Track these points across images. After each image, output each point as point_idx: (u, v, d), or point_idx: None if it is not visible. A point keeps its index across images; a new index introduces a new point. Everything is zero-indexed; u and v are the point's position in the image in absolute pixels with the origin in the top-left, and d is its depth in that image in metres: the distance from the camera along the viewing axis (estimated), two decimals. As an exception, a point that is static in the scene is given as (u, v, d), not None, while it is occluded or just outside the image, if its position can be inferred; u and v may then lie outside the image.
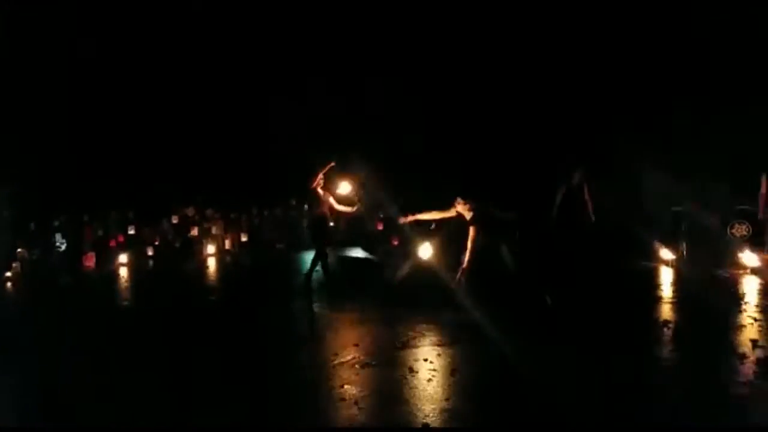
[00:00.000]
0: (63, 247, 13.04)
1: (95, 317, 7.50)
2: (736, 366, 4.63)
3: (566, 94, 15.54)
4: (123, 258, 12.52)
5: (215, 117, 18.10)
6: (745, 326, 5.88)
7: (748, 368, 4.54)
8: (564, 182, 10.55)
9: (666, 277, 9.36)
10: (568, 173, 10.53)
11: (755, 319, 6.14)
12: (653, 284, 8.80)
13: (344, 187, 8.95)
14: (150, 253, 13.86)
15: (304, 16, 17.58)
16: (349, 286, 8.85)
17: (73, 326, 6.96)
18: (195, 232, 14.72)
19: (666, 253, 10.46)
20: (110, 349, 5.76)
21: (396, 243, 14.96)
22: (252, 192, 17.18)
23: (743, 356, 4.82)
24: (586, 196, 10.38)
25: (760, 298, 7.48)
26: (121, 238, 14.01)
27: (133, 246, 13.70)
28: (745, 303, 7.09)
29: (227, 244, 15.18)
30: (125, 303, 8.92)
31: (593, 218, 10.29)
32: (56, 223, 13.44)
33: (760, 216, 10.87)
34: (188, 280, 10.79)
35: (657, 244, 10.80)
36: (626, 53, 15.40)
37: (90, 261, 12.56)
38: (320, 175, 8.62)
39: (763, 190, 10.78)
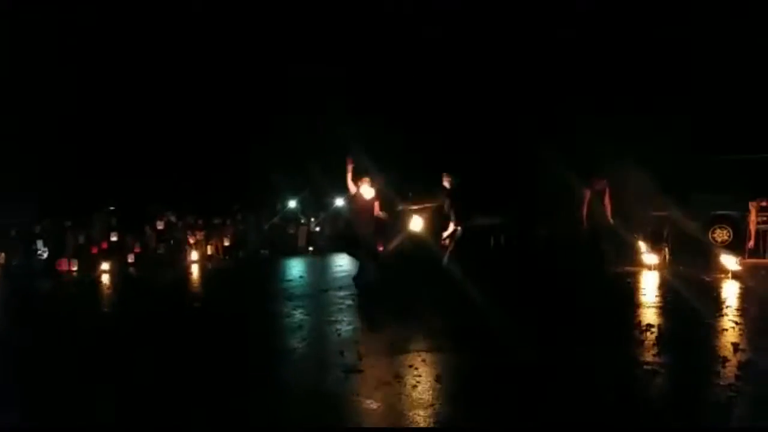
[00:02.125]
0: (45, 254, 12.89)
1: (73, 325, 7.40)
2: (717, 369, 4.66)
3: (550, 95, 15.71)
4: (105, 265, 12.38)
5: (200, 123, 18.04)
6: (726, 330, 5.93)
7: (730, 371, 4.58)
8: (588, 186, 10.79)
9: (649, 281, 9.43)
10: (591, 178, 10.77)
11: (736, 323, 6.20)
12: (636, 288, 8.86)
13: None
14: (132, 260, 13.75)
15: (288, 26, 17.59)
16: (336, 292, 8.84)
17: (49, 334, 6.86)
18: (188, 241, 14.63)
19: (649, 258, 10.54)
20: (95, 357, 5.69)
21: (381, 247, 14.95)
22: (236, 198, 17.14)
23: (725, 360, 4.86)
24: (607, 201, 10.61)
25: (740, 302, 7.56)
26: (104, 245, 13.88)
27: (116, 253, 13.58)
28: (727, 307, 7.16)
29: (210, 250, 15.10)
30: (105, 310, 8.82)
31: (611, 221, 10.53)
32: (37, 230, 13.29)
33: (750, 245, 10.81)
34: (171, 287, 10.71)
35: (640, 249, 10.90)
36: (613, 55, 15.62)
37: (63, 266, 12.43)
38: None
39: (753, 217, 10.78)
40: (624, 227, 11.18)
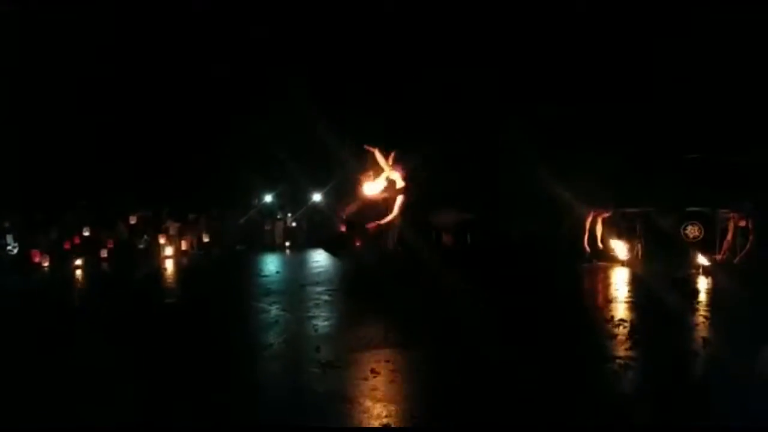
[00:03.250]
0: (15, 250, 12.63)
1: (43, 322, 7.27)
2: (688, 363, 4.75)
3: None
4: (78, 260, 12.17)
5: (175, 118, 17.82)
6: (697, 325, 6.05)
7: (699, 365, 4.68)
8: (593, 211, 11.16)
9: (621, 276, 9.57)
10: (597, 205, 11.17)
11: (706, 318, 6.33)
12: (608, 283, 8.98)
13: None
14: (106, 255, 13.56)
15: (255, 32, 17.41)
16: (313, 287, 8.82)
17: (18, 331, 6.73)
18: (162, 237, 14.48)
19: (622, 253, 10.70)
20: (67, 353, 5.60)
21: (359, 244, 14.93)
22: (213, 193, 16.97)
23: (695, 354, 4.96)
24: (599, 228, 11.01)
25: (710, 298, 7.72)
26: (76, 240, 13.66)
27: (89, 248, 13.38)
28: (698, 302, 7.30)
29: (184, 245, 14.97)
30: (78, 306, 8.70)
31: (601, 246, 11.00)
32: (7, 225, 13.02)
33: (719, 257, 10.74)
34: (145, 283, 10.59)
35: (613, 244, 11.07)
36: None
37: (35, 261, 12.23)
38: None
39: (729, 237, 10.85)
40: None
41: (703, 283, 8.72)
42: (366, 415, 3.81)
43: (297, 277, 10.77)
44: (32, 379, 4.77)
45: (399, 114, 15.86)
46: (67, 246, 13.40)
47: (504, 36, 16.22)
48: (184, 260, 13.80)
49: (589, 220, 11.49)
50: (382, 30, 16.91)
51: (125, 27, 16.80)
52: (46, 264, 12.39)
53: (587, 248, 11.44)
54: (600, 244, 11.50)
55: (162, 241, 14.38)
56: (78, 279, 10.93)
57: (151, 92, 17.38)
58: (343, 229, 9.64)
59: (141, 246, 14.34)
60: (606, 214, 11.51)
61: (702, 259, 9.54)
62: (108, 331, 6.53)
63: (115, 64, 16.99)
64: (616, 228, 11.58)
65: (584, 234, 11.54)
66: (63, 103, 16.57)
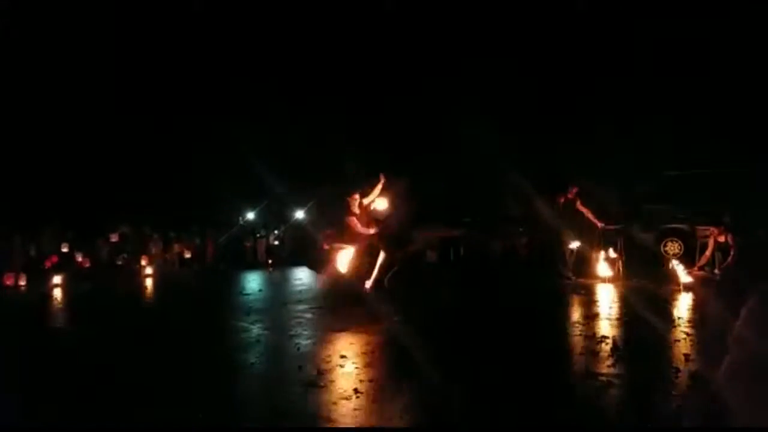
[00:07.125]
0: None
1: (19, 342, 7.14)
2: (670, 380, 4.77)
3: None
4: (56, 279, 12.00)
5: (155, 135, 17.75)
6: (678, 341, 6.08)
7: (681, 381, 4.69)
8: (562, 194, 11.08)
9: (603, 292, 9.61)
10: (565, 187, 11.08)
11: (687, 334, 6.36)
12: (590, 300, 9.01)
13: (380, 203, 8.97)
14: (85, 273, 13.40)
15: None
16: (295, 306, 8.77)
17: None
18: (142, 255, 14.37)
19: (603, 269, 10.76)
20: (43, 374, 5.50)
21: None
22: (194, 210, 16.90)
23: (676, 370, 4.97)
24: (580, 207, 10.93)
25: (691, 314, 7.77)
26: (55, 258, 13.50)
27: (67, 266, 13.22)
28: (678, 318, 7.34)
29: (165, 263, 14.86)
30: (55, 326, 8.55)
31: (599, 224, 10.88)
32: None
33: (697, 272, 10.79)
34: (124, 301, 10.47)
35: (594, 261, 11.13)
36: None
37: (12, 280, 12.03)
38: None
39: (707, 252, 10.98)
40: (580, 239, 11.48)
41: (683, 299, 8.79)
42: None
43: (279, 295, 10.70)
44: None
45: (387, 130, 15.98)
46: (47, 264, 13.25)
47: (496, 61, 16.45)
48: (165, 278, 13.65)
49: (561, 204, 11.27)
50: (370, 50, 17.05)
51: (106, 42, 16.75)
52: (23, 283, 12.20)
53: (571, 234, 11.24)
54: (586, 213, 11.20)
55: (142, 259, 14.26)
56: (57, 299, 10.74)
57: (132, 110, 17.32)
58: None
59: (120, 263, 14.21)
60: (572, 194, 11.31)
61: (682, 275, 9.61)
62: (87, 350, 6.44)
63: (96, 80, 16.92)
64: (596, 243, 11.62)
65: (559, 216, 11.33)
66: (43, 119, 16.44)
